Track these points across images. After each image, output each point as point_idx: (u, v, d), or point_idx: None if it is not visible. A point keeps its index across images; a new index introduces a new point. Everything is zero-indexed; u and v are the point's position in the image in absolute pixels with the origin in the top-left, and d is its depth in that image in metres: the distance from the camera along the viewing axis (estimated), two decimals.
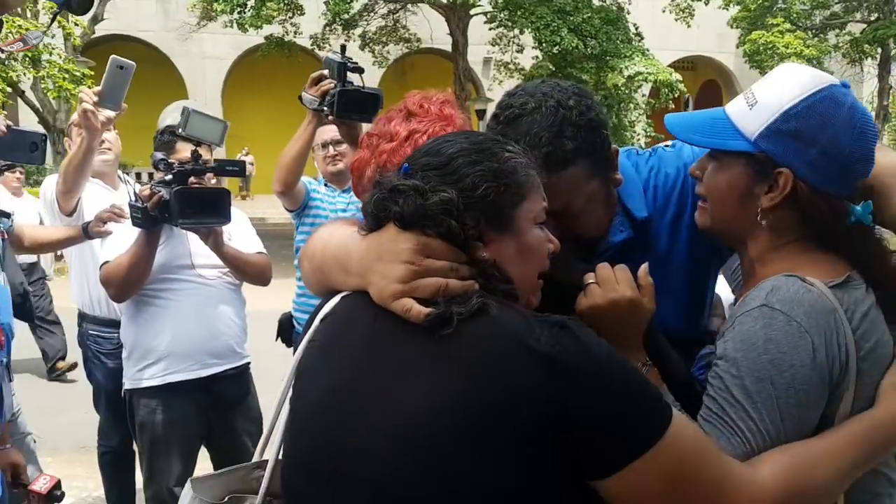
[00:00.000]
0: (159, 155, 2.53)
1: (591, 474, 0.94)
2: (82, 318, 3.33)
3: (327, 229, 1.31)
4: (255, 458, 1.28)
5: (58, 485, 2.32)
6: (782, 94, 1.15)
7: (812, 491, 1.03)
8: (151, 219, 2.41)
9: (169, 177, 2.42)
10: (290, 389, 1.16)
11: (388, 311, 1.01)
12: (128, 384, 2.69)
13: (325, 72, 2.60)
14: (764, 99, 1.17)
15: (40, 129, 2.72)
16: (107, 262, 2.56)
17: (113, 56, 2.55)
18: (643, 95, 17.80)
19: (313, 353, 1.12)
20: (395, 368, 0.99)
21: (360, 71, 2.65)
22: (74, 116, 3.12)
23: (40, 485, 2.29)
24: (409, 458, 0.94)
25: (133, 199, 2.44)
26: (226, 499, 1.22)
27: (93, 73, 12.37)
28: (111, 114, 2.60)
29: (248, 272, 2.75)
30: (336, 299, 1.14)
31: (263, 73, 20.45)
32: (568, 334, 0.94)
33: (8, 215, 2.73)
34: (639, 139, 17.91)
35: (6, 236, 2.78)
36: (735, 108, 1.21)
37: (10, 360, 2.06)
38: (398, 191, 1.04)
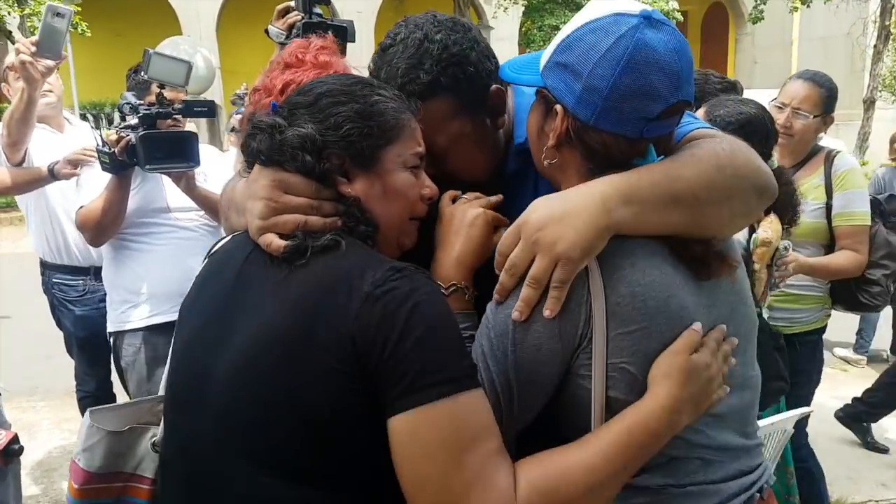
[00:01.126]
0: (128, 95, 2.47)
1: (382, 409, 0.96)
2: (45, 266, 3.31)
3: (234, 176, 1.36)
4: (161, 392, 1.31)
5: (15, 439, 2.28)
6: (568, 27, 1.10)
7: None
8: (120, 163, 2.38)
9: (135, 120, 2.37)
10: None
11: (260, 248, 1.07)
12: (111, 327, 2.71)
13: (292, 3, 2.52)
14: (559, 34, 1.12)
15: None
16: (82, 207, 2.55)
17: (49, 3, 2.45)
18: None
19: (193, 292, 1.19)
20: (248, 302, 1.05)
21: (327, 2, 2.57)
22: (9, 58, 3.02)
23: None
24: (242, 385, 1.00)
25: (100, 143, 2.40)
26: (126, 428, 1.26)
27: (80, 8, 12.07)
28: (51, 63, 2.52)
29: None
30: (227, 238, 1.22)
31: (259, 6, 19.98)
32: (402, 276, 0.98)
33: None
34: None
35: None
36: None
37: None
38: (258, 128, 1.09)
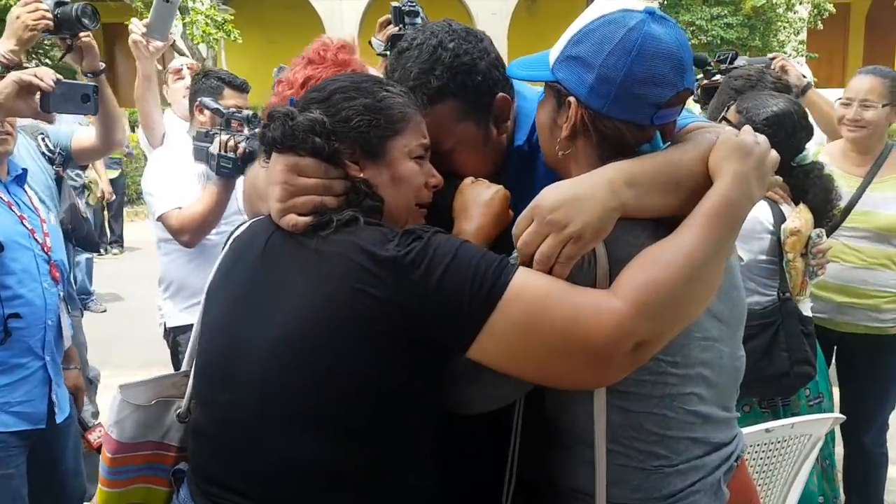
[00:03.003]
0: (208, 101, 2.73)
1: (453, 350, 1.07)
2: None
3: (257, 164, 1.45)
4: (184, 368, 1.40)
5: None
6: (577, 23, 1.16)
7: (670, 292, 1.03)
8: (238, 168, 2.60)
9: (256, 130, 2.63)
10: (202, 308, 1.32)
11: (281, 229, 1.15)
12: (172, 322, 2.83)
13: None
14: (568, 30, 1.18)
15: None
16: (178, 209, 2.68)
17: None
18: (794, 13, 16.35)
19: (219, 275, 1.27)
20: (276, 281, 1.14)
21: (416, 14, 2.72)
22: (174, 63, 3.34)
23: (94, 437, 2.46)
24: (284, 356, 1.09)
25: (221, 150, 2.61)
26: (153, 402, 1.33)
27: (233, 17, 12.96)
28: (159, 44, 2.81)
29: None
30: (245, 225, 1.30)
31: None
32: (416, 235, 1.07)
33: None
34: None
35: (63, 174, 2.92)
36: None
37: (67, 293, 2.16)
38: (272, 117, 1.17)
